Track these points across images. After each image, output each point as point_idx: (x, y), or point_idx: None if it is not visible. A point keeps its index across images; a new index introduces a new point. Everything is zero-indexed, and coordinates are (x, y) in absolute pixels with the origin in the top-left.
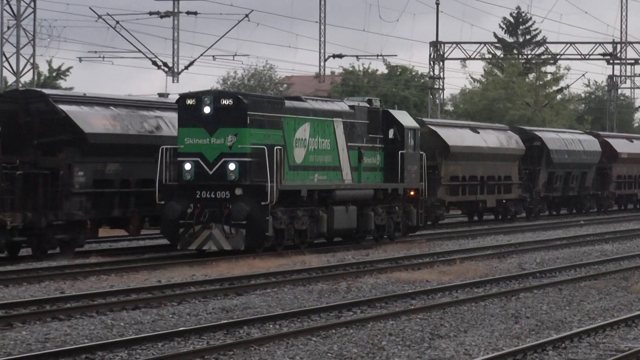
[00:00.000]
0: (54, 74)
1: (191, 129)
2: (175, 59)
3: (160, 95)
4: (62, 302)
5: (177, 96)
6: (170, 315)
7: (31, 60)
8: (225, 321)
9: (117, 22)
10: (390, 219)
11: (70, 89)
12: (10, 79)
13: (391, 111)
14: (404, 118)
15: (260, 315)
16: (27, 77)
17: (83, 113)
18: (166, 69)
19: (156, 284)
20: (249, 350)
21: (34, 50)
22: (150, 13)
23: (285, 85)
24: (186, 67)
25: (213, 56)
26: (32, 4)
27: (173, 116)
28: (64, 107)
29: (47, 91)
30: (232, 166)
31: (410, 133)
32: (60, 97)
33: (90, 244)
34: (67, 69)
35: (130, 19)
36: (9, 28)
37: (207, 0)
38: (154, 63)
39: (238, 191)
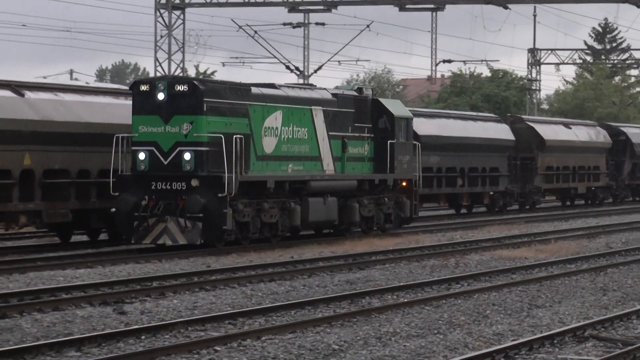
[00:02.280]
0: (201, 77)
1: (145, 117)
2: (306, 64)
3: None
4: (208, 274)
5: None
6: (302, 287)
7: (181, 65)
8: (349, 292)
9: (256, 32)
10: (380, 211)
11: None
12: None
13: (381, 100)
14: (395, 107)
15: (380, 287)
16: None
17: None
18: (298, 73)
19: (289, 260)
20: (370, 317)
21: (183, 56)
22: (284, 24)
23: (400, 87)
24: (315, 71)
25: (339, 61)
26: (181, 16)
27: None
28: None
29: None
30: (187, 156)
31: (402, 122)
32: None
33: None
34: (212, 73)
35: (267, 29)
36: (161, 37)
37: (334, 13)
38: (287, 67)
39: (194, 182)
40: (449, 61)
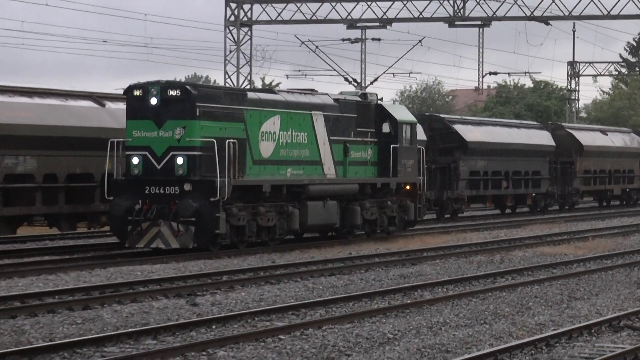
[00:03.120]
0: (267, 87)
1: (139, 122)
2: (363, 76)
3: None
4: (273, 269)
5: None
6: (359, 281)
7: (248, 78)
8: (403, 285)
9: (317, 47)
10: (383, 214)
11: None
12: None
13: (385, 105)
14: (399, 112)
15: (431, 281)
16: None
17: None
18: (355, 84)
19: (348, 256)
20: (422, 308)
21: (251, 69)
22: (343, 39)
23: (450, 97)
24: (371, 82)
25: (393, 74)
26: (249, 33)
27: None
28: None
29: None
30: (180, 160)
31: (406, 127)
32: None
33: None
34: (277, 84)
35: (327, 44)
36: (231, 52)
37: (389, 29)
38: (346, 79)
39: (187, 186)
40: (495, 73)
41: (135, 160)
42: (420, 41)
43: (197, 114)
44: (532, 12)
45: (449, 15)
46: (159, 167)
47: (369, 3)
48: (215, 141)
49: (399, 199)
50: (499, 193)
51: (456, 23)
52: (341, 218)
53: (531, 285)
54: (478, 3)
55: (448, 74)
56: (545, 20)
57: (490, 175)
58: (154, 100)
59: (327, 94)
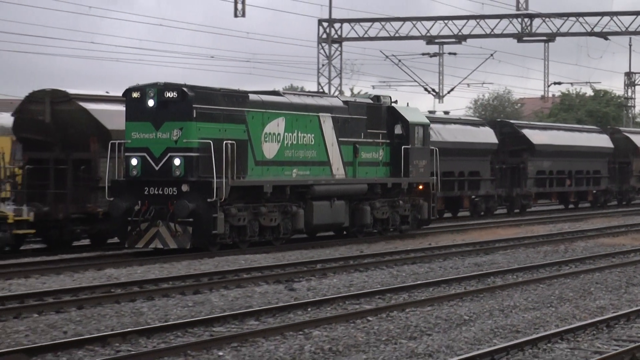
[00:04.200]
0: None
1: (137, 123)
2: (441, 86)
3: (430, 112)
4: (362, 258)
5: (442, 113)
6: (438, 268)
7: (338, 89)
8: (477, 273)
9: (399, 60)
10: (396, 213)
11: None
12: None
13: (396, 107)
14: (411, 114)
15: (502, 269)
16: None
17: None
18: (434, 93)
19: (428, 246)
20: (495, 293)
21: (341, 81)
22: (423, 54)
23: (518, 104)
24: (448, 92)
25: (467, 84)
26: (339, 49)
27: (439, 127)
28: None
29: None
30: (177, 161)
31: (418, 128)
32: None
33: None
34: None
35: (409, 58)
36: (323, 65)
37: (463, 45)
38: (426, 89)
39: (184, 187)
40: (559, 83)
41: (134, 162)
42: (492, 55)
43: (194, 115)
44: (592, 29)
45: (517, 32)
46: (157, 168)
47: (446, 21)
48: (212, 142)
49: (412, 199)
50: (562, 190)
51: (524, 39)
52: (351, 217)
53: (592, 272)
54: (544, 20)
55: (517, 84)
56: (604, 35)
57: (555, 174)
58: (151, 102)
59: (336, 96)
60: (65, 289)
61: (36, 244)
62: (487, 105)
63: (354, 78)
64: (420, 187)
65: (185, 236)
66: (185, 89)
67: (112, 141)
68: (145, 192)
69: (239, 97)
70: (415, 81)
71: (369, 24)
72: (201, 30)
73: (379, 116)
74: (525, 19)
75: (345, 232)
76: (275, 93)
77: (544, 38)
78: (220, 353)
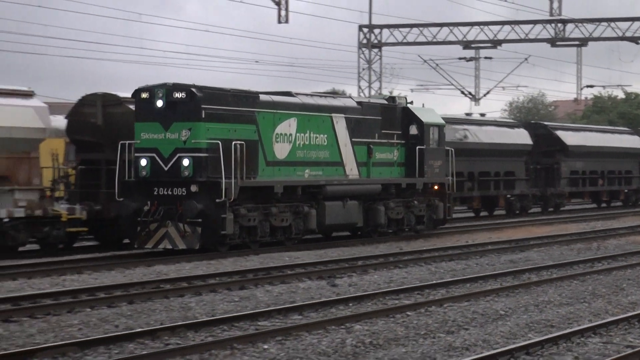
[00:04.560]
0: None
1: (147, 124)
2: (477, 90)
3: (466, 114)
4: (401, 255)
5: (478, 115)
6: (475, 265)
7: (378, 92)
8: (513, 269)
9: (437, 65)
10: (411, 213)
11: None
12: None
13: (411, 107)
14: (426, 114)
15: (537, 265)
16: None
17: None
18: (470, 96)
19: (464, 244)
20: (530, 289)
21: (380, 84)
22: (460, 58)
23: (552, 107)
24: (484, 95)
25: (503, 87)
26: (379, 53)
27: (475, 129)
28: None
29: None
30: (186, 162)
31: (433, 129)
32: None
33: None
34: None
35: (446, 62)
36: (363, 69)
37: (499, 49)
38: (462, 92)
39: (193, 188)
40: (591, 86)
41: (143, 162)
42: (526, 59)
43: (203, 115)
44: (623, 33)
45: (551, 37)
46: (166, 168)
47: (482, 27)
48: (220, 143)
49: (427, 199)
50: (595, 189)
51: (557, 43)
52: (365, 217)
53: (624, 269)
54: (576, 26)
55: (551, 87)
56: (635, 40)
57: (588, 174)
58: (160, 103)
59: (350, 97)
60: (117, 285)
61: (88, 241)
62: (521, 108)
63: (393, 82)
64: (436, 187)
65: (194, 236)
66: (193, 89)
67: (121, 142)
68: (155, 193)
69: (249, 97)
70: (452, 84)
71: (407, 29)
72: (246, 36)
73: (393, 117)
74: (559, 24)
75: (359, 233)
76: (287, 94)
77: (577, 43)
78: (265, 346)
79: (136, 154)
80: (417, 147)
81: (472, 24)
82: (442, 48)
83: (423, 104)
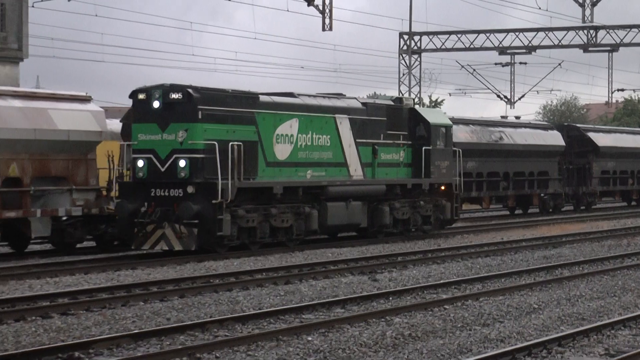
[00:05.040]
0: (433, 104)
1: (144, 125)
2: (512, 93)
3: (502, 117)
4: (439, 252)
5: (514, 118)
6: (509, 261)
7: (418, 95)
8: (546, 265)
9: (474, 70)
10: (417, 213)
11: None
12: None
13: (418, 109)
14: (432, 115)
15: (569, 261)
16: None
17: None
18: (506, 100)
19: (500, 240)
20: (562, 284)
21: (420, 89)
22: (496, 63)
23: (584, 110)
24: (519, 98)
25: (537, 91)
26: (418, 59)
27: (511, 131)
28: None
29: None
30: (182, 163)
31: (440, 130)
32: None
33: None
34: (442, 101)
35: (482, 67)
36: (403, 74)
37: (533, 55)
38: (498, 96)
39: (190, 189)
40: (622, 90)
41: (140, 163)
42: (559, 64)
43: (200, 116)
44: None
45: (583, 43)
46: (162, 169)
47: (517, 33)
48: (216, 143)
49: (434, 199)
50: (625, 188)
51: (589, 49)
52: (370, 218)
53: None
54: (608, 32)
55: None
56: None
57: (619, 173)
58: (156, 104)
59: (355, 98)
60: (169, 280)
61: None
62: (555, 111)
63: (432, 86)
64: (443, 187)
65: (190, 238)
66: (190, 90)
67: (120, 143)
68: (152, 194)
69: (248, 98)
70: (489, 89)
71: (445, 36)
72: (292, 43)
73: (399, 118)
74: (591, 31)
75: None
76: (289, 94)
77: (608, 48)
78: (309, 338)
79: (133, 155)
80: (424, 148)
81: (507, 31)
82: (478, 54)
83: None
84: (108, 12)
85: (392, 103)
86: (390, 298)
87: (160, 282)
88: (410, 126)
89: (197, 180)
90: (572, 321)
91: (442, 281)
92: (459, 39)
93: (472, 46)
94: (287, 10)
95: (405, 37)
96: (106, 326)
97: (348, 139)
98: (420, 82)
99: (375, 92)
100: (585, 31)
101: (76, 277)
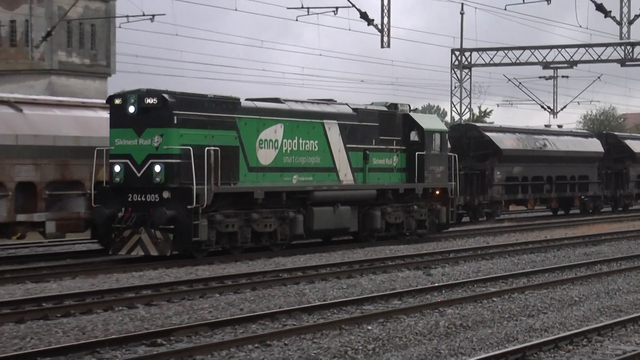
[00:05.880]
0: (482, 114)
1: (120, 130)
2: (555, 104)
3: (546, 126)
4: (487, 249)
5: (556, 127)
6: (552, 257)
7: (469, 106)
8: (586, 261)
9: (520, 83)
10: (411, 217)
11: (491, 123)
12: (456, 118)
13: (412, 114)
14: (426, 121)
15: (608, 258)
16: (466, 116)
17: (499, 136)
18: (549, 110)
19: (544, 239)
20: (601, 278)
21: (470, 100)
22: (540, 77)
23: (622, 119)
24: (561, 109)
25: (578, 102)
26: (469, 73)
27: (554, 138)
28: (488, 133)
29: (478, 124)
30: (157, 168)
31: (434, 135)
32: (485, 128)
33: (504, 214)
34: (490, 111)
35: (527, 80)
36: (455, 87)
37: (574, 69)
38: (542, 107)
39: (165, 194)
40: None
41: (117, 169)
42: (599, 77)
43: (175, 121)
44: None
45: (620, 58)
46: (139, 174)
47: (559, 49)
48: (191, 149)
49: (429, 204)
50: None
51: (627, 63)
52: (362, 222)
53: None
54: None
55: (620, 102)
56: None
57: None
58: (132, 109)
59: (346, 104)
60: (242, 274)
61: None
62: (594, 120)
63: (481, 98)
64: (438, 192)
65: (166, 243)
66: (165, 95)
67: (97, 148)
68: (129, 199)
69: (229, 103)
70: (533, 100)
71: (494, 52)
72: (353, 59)
73: (392, 123)
74: (628, 47)
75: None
76: (274, 100)
77: None
78: (369, 327)
79: (110, 160)
80: (417, 153)
81: (551, 47)
82: (524, 68)
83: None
84: (187, 32)
85: (385, 109)
86: (443, 291)
87: (234, 276)
88: (404, 131)
89: (173, 185)
90: (610, 313)
91: (490, 276)
92: (506, 54)
93: (518, 61)
94: (349, 30)
95: (457, 53)
96: (185, 316)
97: (337, 144)
98: (470, 94)
99: (429, 104)
100: (623, 47)
101: (158, 272)
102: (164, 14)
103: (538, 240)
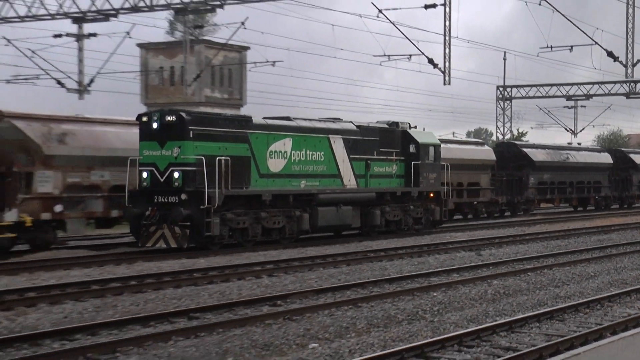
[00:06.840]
0: (520, 135)
1: (147, 143)
2: (575, 127)
3: (569, 143)
4: (523, 236)
5: (576, 144)
6: (574, 242)
7: (509, 129)
8: (599, 245)
9: (549, 111)
10: (408, 215)
11: (527, 141)
12: (500, 137)
13: (410, 131)
14: (422, 136)
15: (616, 243)
16: (507, 137)
17: (533, 151)
18: (571, 132)
19: (566, 228)
20: (611, 259)
21: (511, 124)
22: (564, 106)
23: (627, 138)
24: (580, 130)
25: (593, 125)
26: (509, 104)
27: (574, 153)
28: (524, 149)
29: (517, 142)
30: (176, 174)
31: (429, 148)
32: (522, 145)
33: (536, 210)
34: (526, 133)
35: (554, 109)
36: (499, 114)
37: (591, 100)
38: (565, 129)
39: (183, 196)
40: None
41: (144, 175)
42: (609, 107)
43: (191, 135)
44: None
45: (626, 92)
46: (162, 180)
47: (579, 85)
48: (204, 158)
49: (424, 204)
50: None
51: (631, 96)
52: (364, 220)
53: None
54: None
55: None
56: None
57: None
58: (155, 125)
59: (350, 122)
60: (339, 253)
61: None
62: (605, 139)
63: (519, 122)
64: (432, 194)
65: (184, 237)
66: (182, 113)
67: (130, 158)
68: (155, 200)
69: (241, 120)
70: (559, 124)
71: (529, 87)
72: (422, 92)
73: (391, 138)
74: (632, 84)
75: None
76: (285, 118)
77: None
78: (435, 294)
79: (139, 168)
80: (413, 162)
81: (572, 84)
82: (552, 100)
83: (424, 128)
84: (300, 74)
85: (386, 126)
86: (490, 267)
87: (334, 255)
88: (403, 145)
89: (189, 189)
90: (618, 285)
91: (526, 256)
92: (538, 89)
93: (547, 94)
94: (419, 71)
95: (501, 88)
96: (297, 284)
97: (342, 155)
98: (511, 119)
99: (479, 127)
100: (628, 84)
101: (278, 251)
102: (282, 61)
103: (562, 230)
